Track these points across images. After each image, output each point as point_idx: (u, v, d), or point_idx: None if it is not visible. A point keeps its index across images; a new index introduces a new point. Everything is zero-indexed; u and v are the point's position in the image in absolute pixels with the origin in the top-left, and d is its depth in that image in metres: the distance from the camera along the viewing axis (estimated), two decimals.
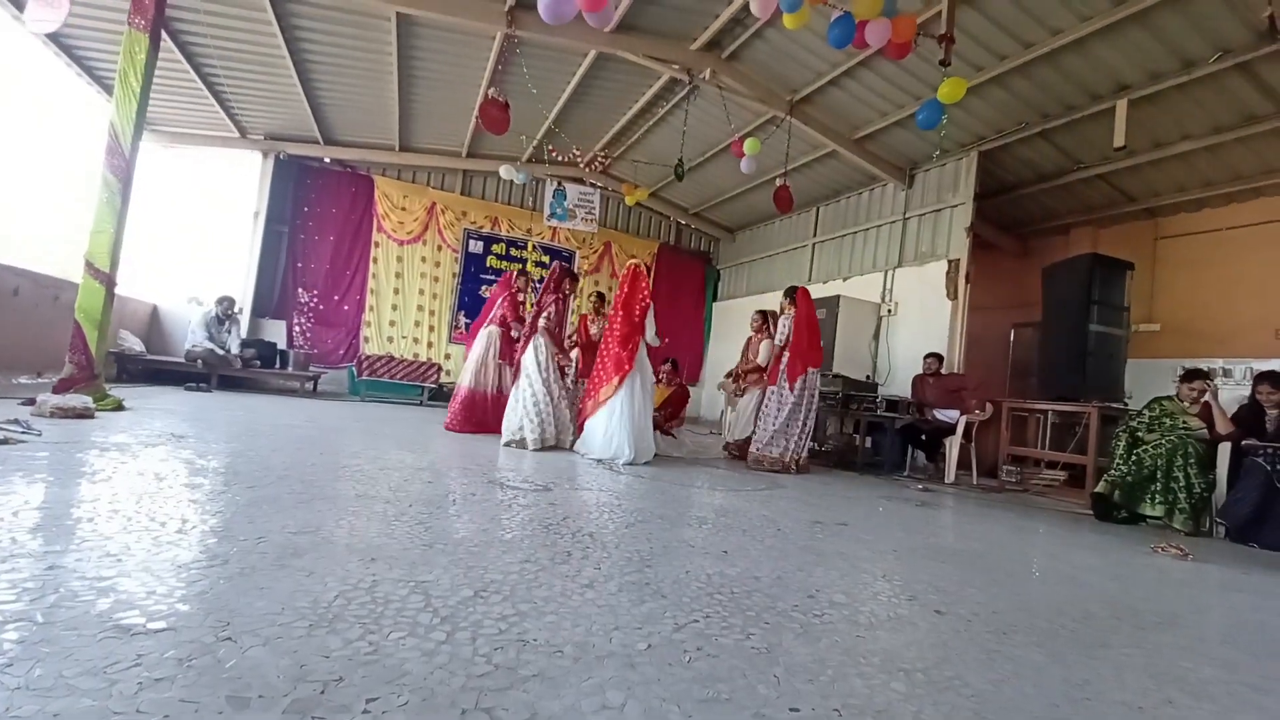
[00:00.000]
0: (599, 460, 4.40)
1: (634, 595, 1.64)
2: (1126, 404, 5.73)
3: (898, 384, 7.02)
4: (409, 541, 1.89)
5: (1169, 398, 4.57)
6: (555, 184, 9.90)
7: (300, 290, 8.83)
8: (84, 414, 3.75)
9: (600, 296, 5.99)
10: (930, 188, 7.44)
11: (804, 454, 5.19)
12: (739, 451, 5.82)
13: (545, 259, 10.16)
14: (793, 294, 5.35)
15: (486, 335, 5.69)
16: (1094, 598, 2.21)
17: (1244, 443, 4.07)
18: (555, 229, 10.20)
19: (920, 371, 6.36)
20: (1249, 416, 4.21)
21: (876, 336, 7.69)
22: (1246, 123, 5.48)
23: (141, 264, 7.41)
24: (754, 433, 5.32)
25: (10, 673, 0.95)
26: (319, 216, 8.93)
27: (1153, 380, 6.27)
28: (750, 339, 6.10)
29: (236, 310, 7.62)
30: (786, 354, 5.22)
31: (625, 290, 4.84)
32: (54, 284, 6.00)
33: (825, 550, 2.44)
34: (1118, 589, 2.41)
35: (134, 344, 7.13)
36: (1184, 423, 4.34)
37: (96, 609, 1.20)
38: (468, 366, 5.69)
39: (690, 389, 8.26)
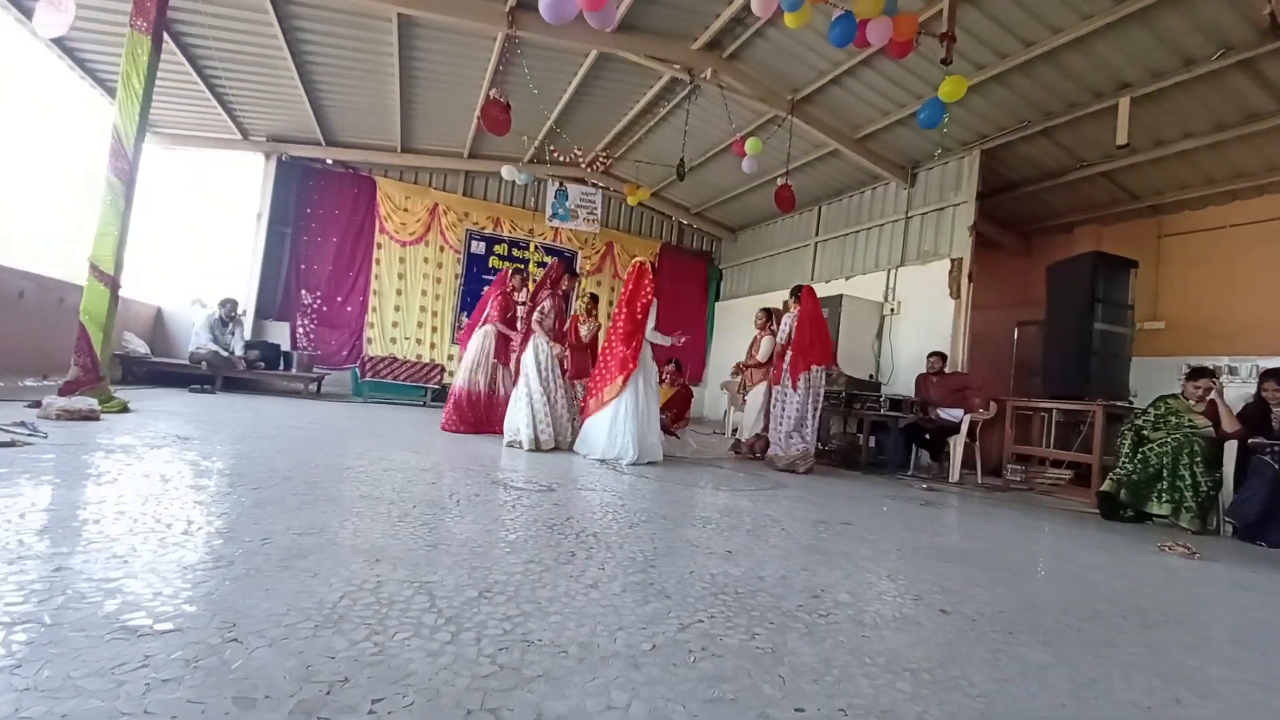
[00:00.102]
0: (602, 460, 4.39)
1: (638, 595, 1.64)
2: (1131, 402, 5.71)
3: (901, 383, 7.01)
4: (413, 542, 1.90)
5: (1174, 396, 4.55)
6: (557, 184, 9.90)
7: (303, 292, 8.84)
8: (89, 416, 3.76)
9: (593, 298, 5.98)
10: (933, 186, 7.43)
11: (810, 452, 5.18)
12: (749, 451, 5.83)
13: (547, 259, 10.15)
14: (798, 292, 5.36)
15: (482, 335, 5.70)
16: (1100, 597, 2.20)
17: (1250, 441, 4.06)
18: (557, 229, 10.20)
19: (924, 370, 6.35)
20: (1255, 414, 4.19)
21: (879, 336, 7.68)
22: (1249, 120, 5.46)
23: (145, 266, 7.44)
24: (768, 431, 5.31)
25: (19, 674, 0.95)
26: (321, 218, 8.95)
27: (1158, 378, 6.25)
28: (756, 337, 6.13)
29: (240, 312, 7.64)
30: (790, 352, 5.22)
31: (629, 288, 4.80)
32: (59, 287, 6.02)
33: (830, 550, 2.44)
34: (1124, 588, 2.40)
35: (138, 346, 7.15)
36: (1189, 421, 4.32)
37: (104, 610, 1.20)
38: (463, 366, 5.70)
39: (693, 389, 8.27)
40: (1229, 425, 4.16)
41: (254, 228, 8.58)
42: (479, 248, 9.89)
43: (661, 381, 5.77)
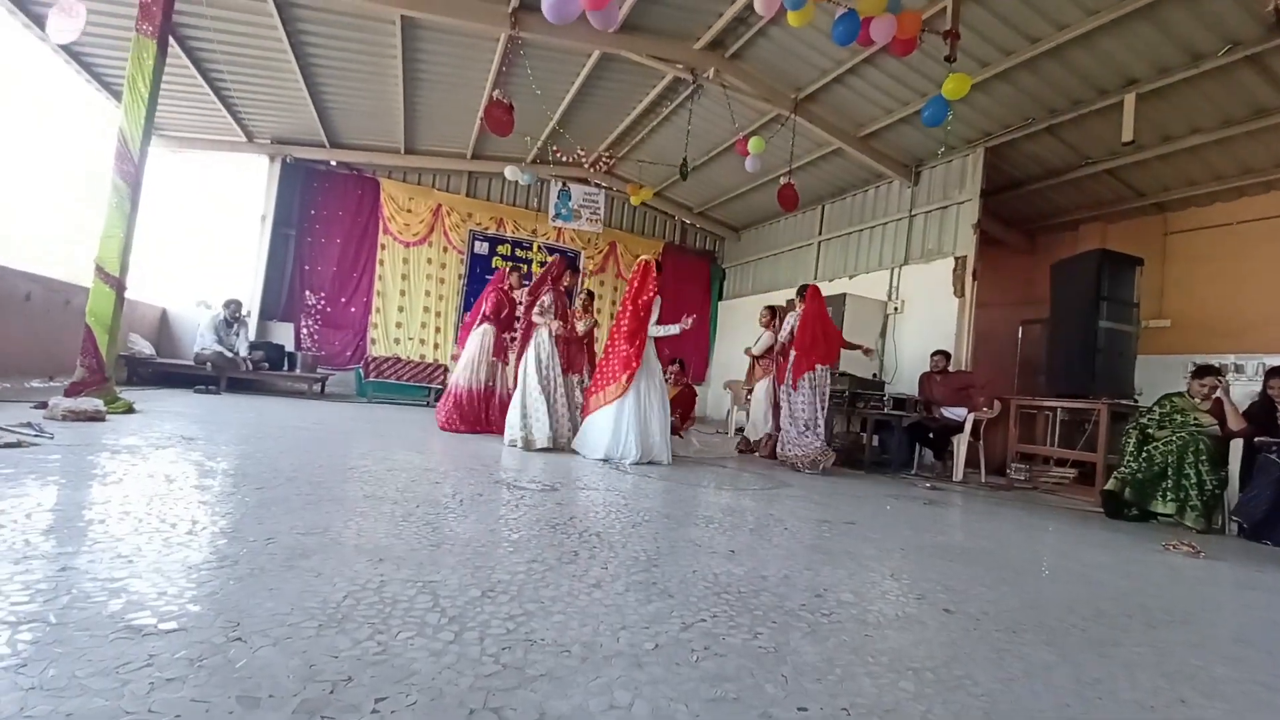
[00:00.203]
0: (605, 460, 4.38)
1: (641, 595, 1.64)
2: (1136, 401, 5.68)
3: (905, 382, 6.99)
4: (417, 542, 1.90)
5: (1180, 394, 4.53)
6: (560, 184, 9.91)
7: (307, 293, 8.87)
8: (95, 417, 3.78)
9: (589, 294, 5.97)
10: (936, 184, 7.40)
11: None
12: (758, 449, 5.84)
13: (550, 260, 10.17)
14: (804, 292, 5.35)
15: (480, 333, 5.70)
16: (1105, 596, 2.19)
17: (1256, 439, 4.03)
18: (560, 229, 10.21)
19: (927, 369, 6.33)
20: (1261, 413, 4.17)
21: (883, 334, 7.65)
22: (1256, 116, 5.42)
23: (151, 268, 7.50)
24: (777, 432, 5.29)
25: (24, 673, 0.96)
26: (325, 219, 8.98)
27: (1163, 377, 6.21)
28: (762, 335, 6.16)
29: (244, 313, 7.67)
30: (793, 352, 5.21)
31: (634, 286, 4.76)
32: (65, 288, 6.06)
33: (833, 549, 2.43)
34: (1129, 587, 2.39)
35: (144, 347, 7.19)
36: (1195, 419, 4.29)
37: (109, 610, 1.21)
38: (462, 364, 5.68)
39: (696, 388, 8.27)
40: (1235, 423, 4.14)
41: (258, 229, 8.61)
42: (482, 248, 9.90)
43: (665, 380, 5.76)
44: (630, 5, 5.71)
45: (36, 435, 3.01)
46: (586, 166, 9.76)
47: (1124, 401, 5.55)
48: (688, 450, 5.71)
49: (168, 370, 7.18)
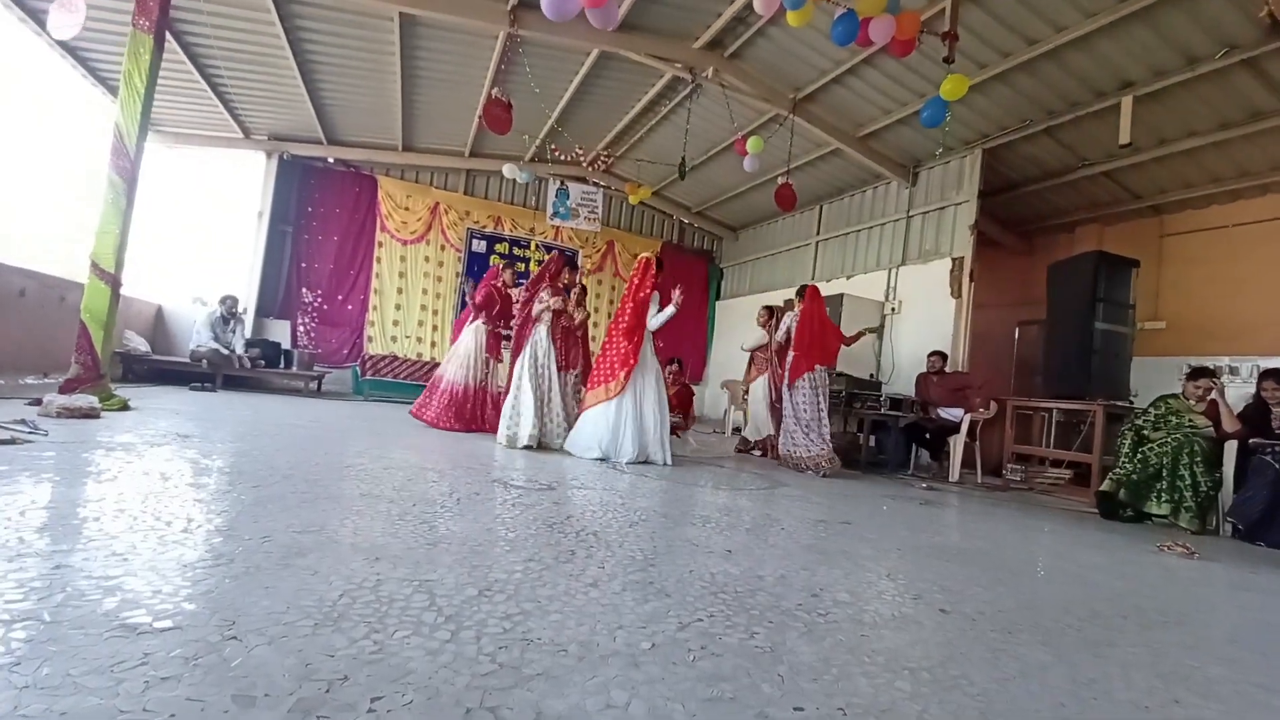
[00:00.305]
0: (603, 459, 4.35)
1: (638, 594, 1.64)
2: (1132, 402, 5.71)
3: (901, 382, 7.00)
4: (413, 540, 1.90)
5: (1175, 395, 4.55)
6: (558, 183, 9.90)
7: (304, 290, 8.85)
8: (90, 414, 3.76)
9: (583, 289, 5.94)
10: (934, 185, 7.42)
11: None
12: (761, 450, 5.85)
13: (547, 258, 10.16)
14: (803, 292, 5.35)
15: (474, 330, 5.66)
16: (1100, 596, 2.20)
17: (1251, 440, 4.05)
18: (558, 228, 10.20)
19: (924, 370, 6.35)
20: (1255, 415, 4.19)
21: (880, 335, 7.67)
22: (1253, 119, 5.44)
23: (146, 264, 7.46)
24: (780, 434, 5.29)
25: (18, 671, 0.96)
26: (323, 216, 8.95)
27: (1158, 378, 6.24)
28: (757, 332, 6.18)
29: (241, 310, 7.64)
30: (791, 352, 5.21)
31: (634, 282, 4.72)
32: (60, 285, 6.03)
33: (829, 549, 2.44)
34: (1124, 587, 2.40)
35: (139, 344, 7.16)
36: (1190, 421, 4.31)
37: (103, 608, 1.20)
38: (454, 359, 5.61)
39: (694, 388, 8.28)
40: (1229, 425, 4.15)
41: (255, 226, 8.58)
42: (480, 246, 9.88)
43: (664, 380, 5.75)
44: (629, 4, 5.70)
45: (31, 432, 3.00)
46: (585, 165, 9.75)
47: (1119, 403, 5.57)
48: (685, 450, 5.71)
49: (163, 367, 7.15)
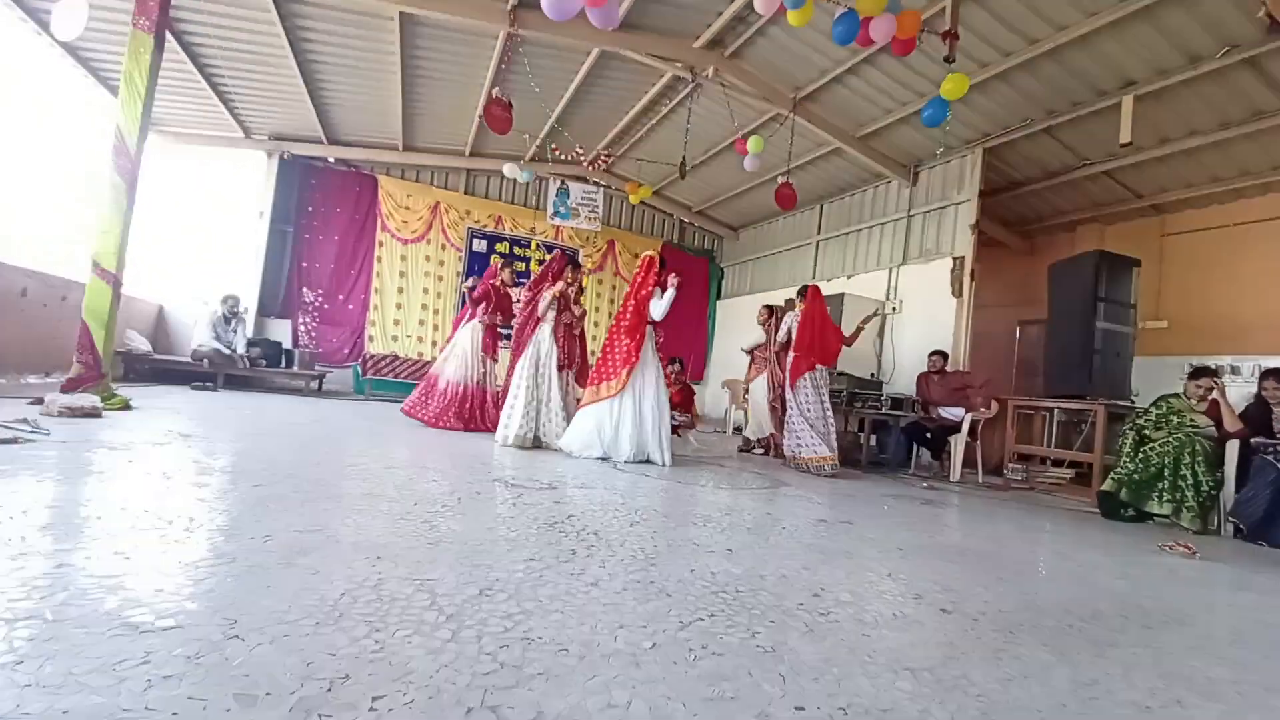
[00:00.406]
0: (603, 458, 4.34)
1: (639, 594, 1.64)
2: (1133, 401, 5.70)
3: (902, 382, 7.00)
4: (414, 540, 1.90)
5: (1176, 395, 4.54)
6: (558, 182, 9.90)
7: (305, 290, 8.85)
8: (91, 413, 3.77)
9: (580, 288, 5.94)
10: (935, 185, 7.41)
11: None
12: (764, 449, 5.84)
13: (548, 258, 10.15)
14: (804, 292, 5.34)
15: (470, 329, 5.65)
16: (1101, 596, 2.20)
17: (1253, 440, 4.04)
18: (559, 227, 10.20)
19: (925, 369, 6.34)
20: (1257, 414, 4.18)
21: (881, 334, 7.67)
22: (1254, 118, 5.44)
23: (147, 264, 7.46)
24: (785, 434, 5.28)
25: (21, 670, 0.96)
26: (323, 216, 8.96)
27: (1160, 378, 6.23)
28: (756, 331, 6.19)
29: (242, 310, 7.65)
30: (792, 353, 5.21)
31: (637, 280, 4.71)
32: (61, 284, 6.03)
33: (830, 549, 2.44)
34: (1125, 587, 2.40)
35: (140, 344, 7.16)
36: (1191, 420, 4.31)
37: (105, 607, 1.20)
38: (451, 358, 5.59)
39: (695, 387, 8.28)
40: (1231, 425, 4.14)
41: (256, 226, 8.58)
42: (480, 246, 9.89)
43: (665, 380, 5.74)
44: (630, 3, 5.70)
45: (33, 432, 3.00)
46: (585, 164, 9.74)
47: (1121, 402, 5.56)
48: (686, 449, 5.71)
49: (164, 367, 7.16)
